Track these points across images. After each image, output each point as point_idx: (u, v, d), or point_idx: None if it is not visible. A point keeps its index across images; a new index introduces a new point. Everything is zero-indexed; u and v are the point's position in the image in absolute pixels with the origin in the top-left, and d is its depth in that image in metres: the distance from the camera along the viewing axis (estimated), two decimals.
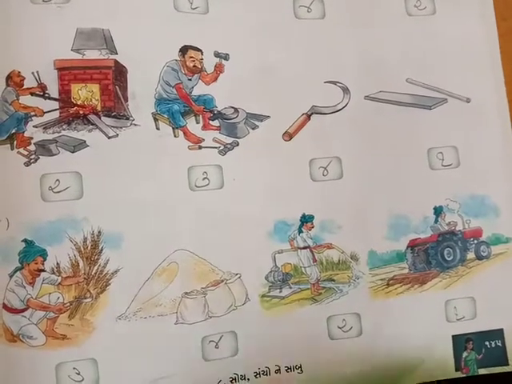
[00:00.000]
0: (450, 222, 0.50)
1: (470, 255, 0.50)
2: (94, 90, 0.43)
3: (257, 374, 0.45)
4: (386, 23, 0.51)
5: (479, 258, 0.50)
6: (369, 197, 0.49)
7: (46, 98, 0.42)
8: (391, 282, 0.49)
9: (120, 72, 0.44)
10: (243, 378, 0.45)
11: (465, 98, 0.51)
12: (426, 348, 0.49)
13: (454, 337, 0.49)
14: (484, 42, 0.52)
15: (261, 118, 0.47)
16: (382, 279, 0.48)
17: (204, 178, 0.45)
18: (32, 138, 0.42)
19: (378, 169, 0.49)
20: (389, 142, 0.50)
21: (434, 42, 0.51)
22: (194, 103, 0.46)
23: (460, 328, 0.49)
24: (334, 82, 0.49)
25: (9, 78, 0.42)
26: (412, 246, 0.49)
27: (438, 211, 0.50)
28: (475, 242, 0.50)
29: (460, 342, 0.49)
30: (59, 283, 0.41)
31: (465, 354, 0.49)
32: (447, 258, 0.50)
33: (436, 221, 0.50)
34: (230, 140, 0.47)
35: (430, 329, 0.49)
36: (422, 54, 0.51)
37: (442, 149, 0.50)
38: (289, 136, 0.48)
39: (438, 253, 0.50)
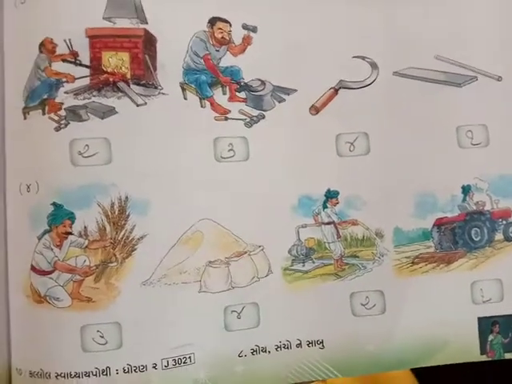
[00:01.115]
0: (478, 202, 0.51)
1: (498, 236, 0.51)
2: (124, 59, 0.45)
3: (278, 347, 0.47)
4: None
5: (508, 239, 0.51)
6: (395, 173, 0.49)
7: (77, 65, 0.44)
8: (416, 260, 0.49)
9: (150, 41, 0.45)
10: (264, 350, 0.46)
11: (496, 76, 0.52)
12: (451, 329, 0.49)
13: (479, 319, 0.50)
14: None
15: (288, 91, 0.49)
16: (407, 257, 0.49)
17: (229, 150, 0.47)
18: (63, 104, 0.44)
19: (405, 145, 0.50)
20: (417, 119, 0.50)
21: (465, 16, 0.52)
22: (220, 74, 0.47)
23: (486, 310, 0.50)
24: (363, 57, 0.50)
25: (42, 45, 0.44)
26: (438, 224, 0.50)
27: (465, 190, 0.50)
28: (504, 222, 0.51)
29: (486, 325, 0.50)
30: (86, 246, 0.43)
31: (491, 338, 0.50)
32: (474, 238, 0.51)
33: (464, 200, 0.50)
34: (256, 112, 0.48)
35: (455, 310, 0.49)
36: (452, 30, 0.51)
37: (471, 127, 0.51)
38: (315, 110, 0.49)
39: (465, 232, 0.50)
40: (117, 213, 0.43)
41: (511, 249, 0.51)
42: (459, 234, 0.50)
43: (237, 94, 0.48)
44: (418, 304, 0.49)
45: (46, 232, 0.43)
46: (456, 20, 0.52)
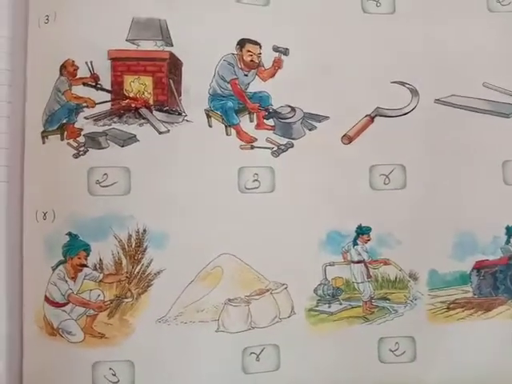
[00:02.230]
0: None
1: None
2: (146, 83, 0.43)
3: None
4: (464, 19, 0.49)
5: None
6: (433, 210, 0.47)
7: (98, 89, 0.43)
8: (452, 305, 0.47)
9: (175, 65, 0.44)
10: None
11: None
12: (489, 382, 0.46)
13: None
14: None
15: (319, 118, 0.46)
16: (442, 302, 0.47)
17: (254, 180, 0.45)
18: (82, 130, 0.43)
19: (445, 180, 0.47)
20: (459, 152, 0.47)
21: None
22: (248, 100, 0.46)
23: None
24: (402, 83, 0.47)
25: (62, 67, 0.43)
26: (478, 267, 0.47)
27: (510, 231, 0.47)
28: None
29: None
30: (101, 280, 0.42)
31: None
32: None
33: (508, 242, 0.47)
34: (284, 141, 0.46)
35: (494, 361, 0.46)
36: (502, 56, 0.48)
37: None
38: (348, 139, 0.47)
39: (507, 277, 0.47)
40: (134, 246, 0.42)
41: None
42: (500, 279, 0.47)
43: (265, 121, 0.46)
44: (452, 353, 0.46)
45: (60, 263, 0.42)
46: (508, 44, 0.49)
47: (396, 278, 0.46)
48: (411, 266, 0.46)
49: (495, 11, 0.49)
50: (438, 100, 0.48)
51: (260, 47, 0.46)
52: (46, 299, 0.42)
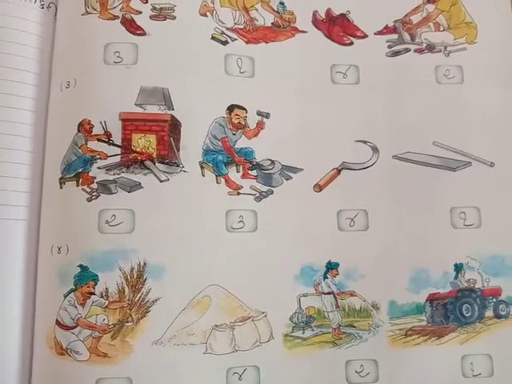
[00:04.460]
0: (469, 279, 0.55)
1: (489, 313, 0.55)
2: (151, 140, 0.52)
3: None
4: (416, 90, 0.58)
5: (498, 316, 0.54)
6: (392, 249, 0.54)
7: (110, 144, 0.51)
8: (409, 332, 0.53)
9: (175, 126, 0.53)
10: None
11: (489, 162, 0.57)
12: None
13: None
14: (509, 111, 0.58)
15: (295, 170, 0.55)
16: (400, 329, 0.53)
17: (240, 221, 0.53)
18: (95, 178, 0.50)
19: (402, 223, 0.55)
20: (414, 199, 0.55)
21: (461, 108, 0.58)
22: (236, 155, 0.54)
23: None
24: (365, 141, 0.56)
25: (80, 125, 0.51)
26: (431, 299, 0.54)
27: (458, 268, 0.54)
28: (494, 300, 0.55)
29: None
30: (106, 306, 0.49)
31: None
32: (465, 314, 0.54)
33: (456, 277, 0.54)
34: (265, 188, 0.54)
35: (446, 382, 0.53)
36: (449, 119, 0.57)
37: (464, 209, 0.55)
38: (319, 188, 0.55)
39: (456, 308, 0.54)
40: (135, 277, 0.49)
41: (501, 326, 0.54)
42: (450, 310, 0.54)
43: (249, 171, 0.54)
44: (410, 374, 0.52)
45: (71, 291, 0.49)
46: (453, 110, 0.58)
47: (361, 308, 0.53)
48: (373, 297, 0.53)
49: (443, 83, 0.58)
50: (396, 156, 0.56)
51: (246, 111, 0.55)
52: (57, 323, 0.49)
